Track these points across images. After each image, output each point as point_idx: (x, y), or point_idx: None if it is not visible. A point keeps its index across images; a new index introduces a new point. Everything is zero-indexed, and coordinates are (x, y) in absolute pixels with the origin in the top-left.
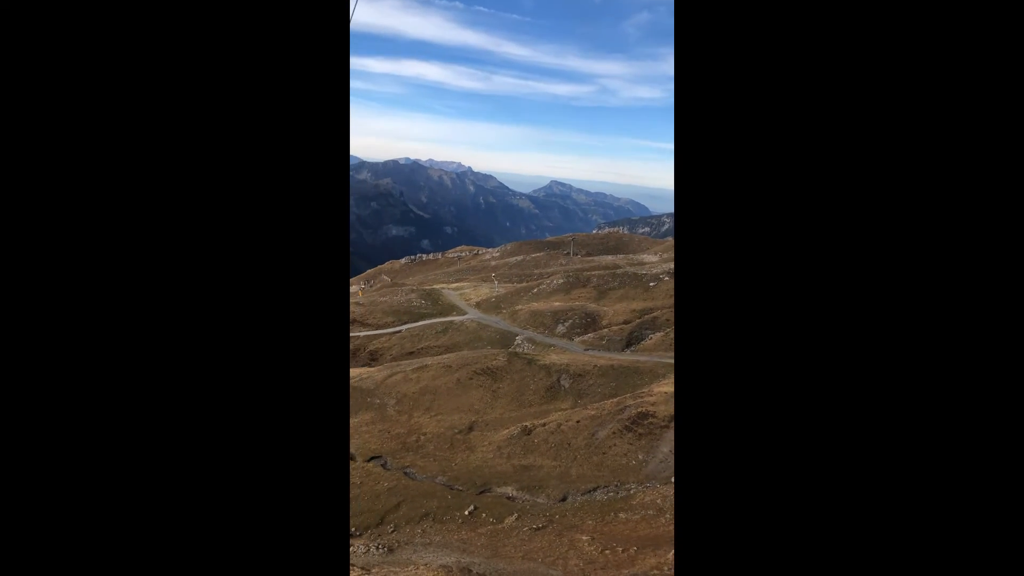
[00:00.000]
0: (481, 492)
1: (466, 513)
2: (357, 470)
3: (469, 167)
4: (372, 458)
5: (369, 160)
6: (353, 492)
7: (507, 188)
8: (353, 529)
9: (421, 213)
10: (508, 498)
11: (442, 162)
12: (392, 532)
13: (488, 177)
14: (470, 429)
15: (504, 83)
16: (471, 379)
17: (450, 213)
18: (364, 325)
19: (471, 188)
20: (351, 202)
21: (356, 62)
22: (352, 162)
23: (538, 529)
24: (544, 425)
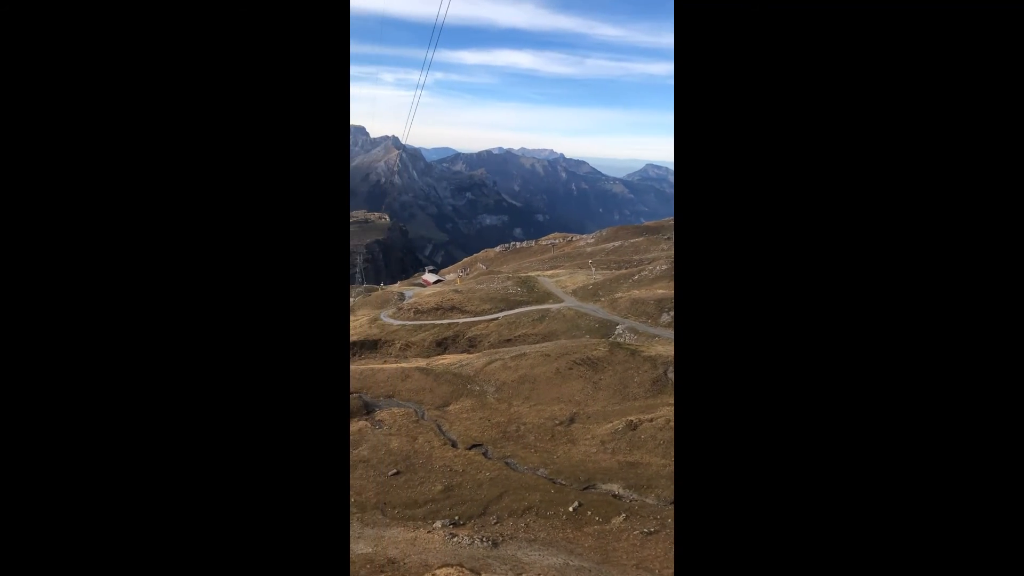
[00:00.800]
0: (585, 488)
1: (570, 509)
2: (459, 457)
3: (561, 154)
4: (473, 446)
5: (464, 152)
6: (455, 480)
7: (600, 173)
8: (456, 517)
9: (513, 202)
10: (614, 496)
11: (534, 150)
12: (495, 524)
13: (580, 163)
14: (571, 421)
15: (597, 66)
16: (571, 369)
17: (542, 201)
18: (462, 312)
19: (563, 175)
20: (447, 193)
21: (450, 55)
22: (447, 154)
23: (650, 534)
24: (651, 420)
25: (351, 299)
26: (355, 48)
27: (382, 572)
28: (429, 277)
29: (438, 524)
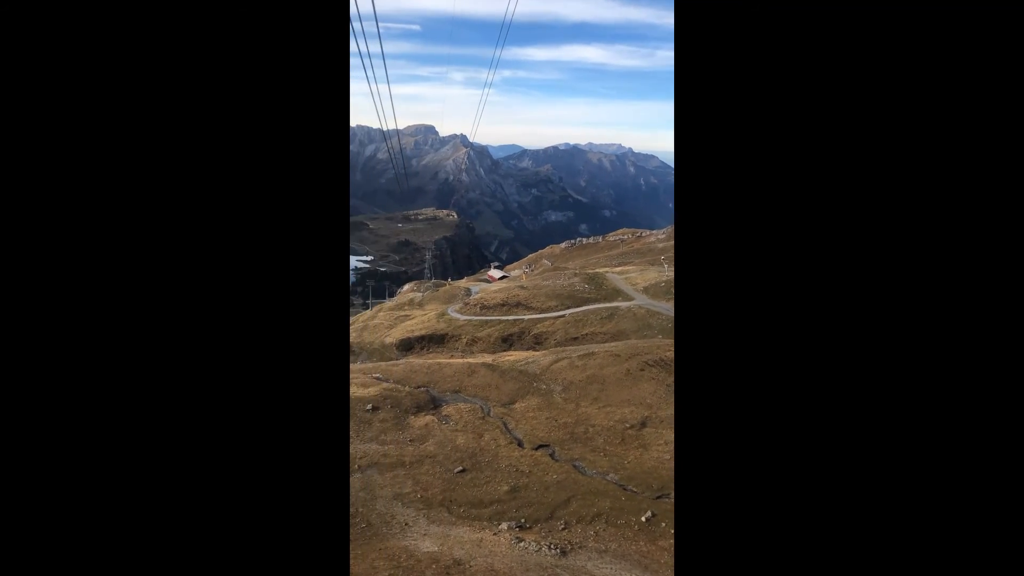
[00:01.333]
0: (658, 497)
1: (643, 520)
2: (525, 457)
3: (629, 148)
4: (540, 446)
5: (530, 148)
6: (522, 480)
7: (670, 167)
8: (523, 520)
9: (580, 197)
10: None
11: (601, 144)
12: (563, 530)
13: (649, 157)
14: (643, 425)
15: (668, 58)
16: (642, 370)
17: (609, 196)
18: (528, 308)
19: (631, 169)
20: (513, 190)
21: (519, 52)
22: (514, 151)
23: None
24: None
25: (420, 294)
26: (426, 49)
27: (448, 573)
28: (495, 273)
29: (504, 526)
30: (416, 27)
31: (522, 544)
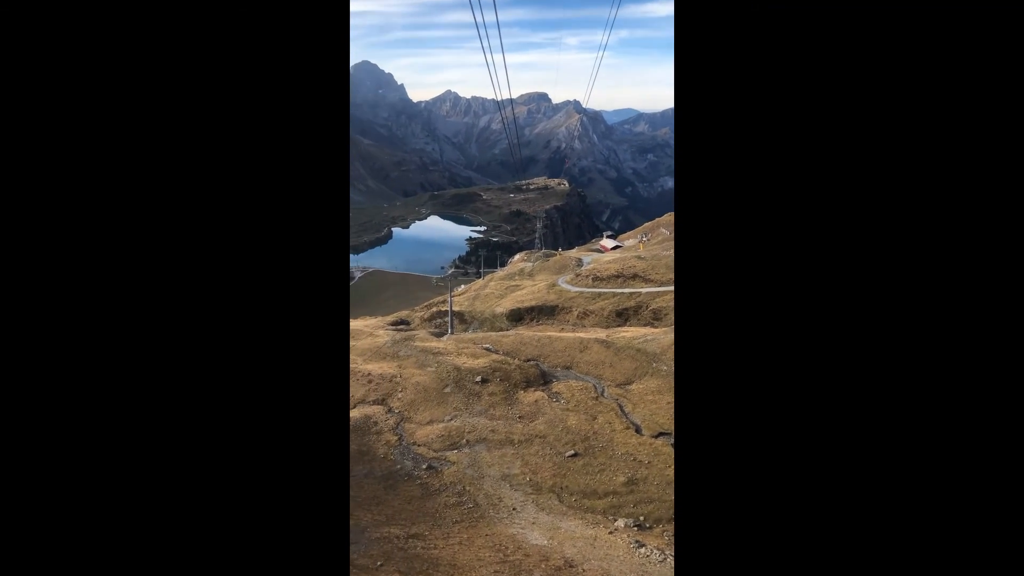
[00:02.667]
0: None
1: None
2: (644, 446)
3: None
4: (660, 434)
5: (646, 112)
6: (640, 472)
7: None
8: (641, 518)
9: None
10: None
11: None
12: None
13: None
14: None
15: None
16: None
17: None
18: (647, 281)
19: None
20: (628, 156)
21: (637, 10)
22: (629, 115)
23: None
24: None
25: (530, 264)
26: (541, 14)
27: (559, 573)
28: (607, 243)
29: (620, 523)
30: None
31: (642, 551)
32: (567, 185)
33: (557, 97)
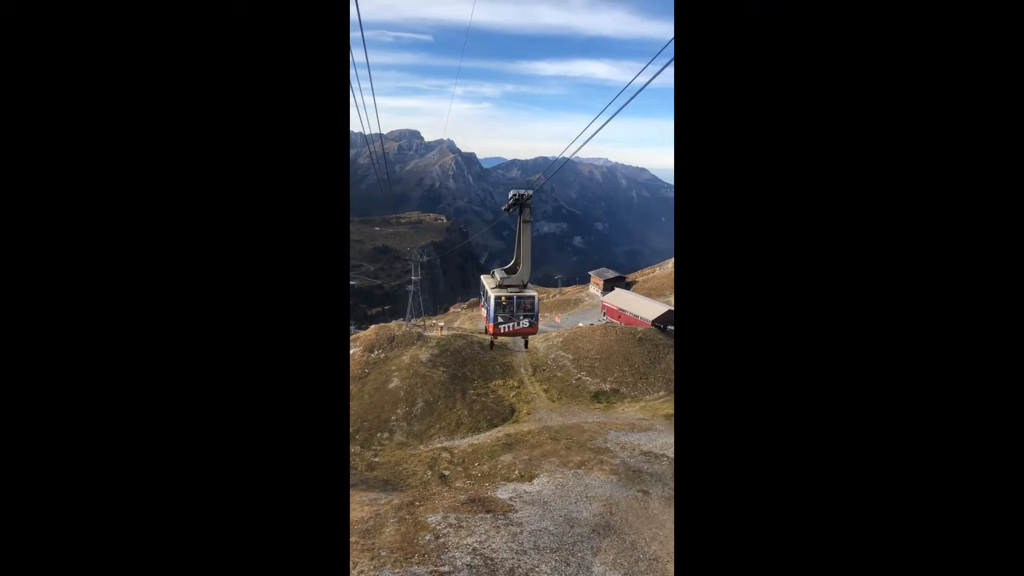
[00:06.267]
0: None
1: None
2: None
3: (616, 162)
4: None
5: (520, 159)
6: None
7: (660, 181)
8: None
9: (572, 209)
10: None
11: (588, 159)
12: None
13: (640, 170)
14: None
15: (663, 75)
16: None
17: (601, 208)
18: None
19: (622, 182)
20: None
21: (528, 66)
22: (502, 162)
23: None
24: None
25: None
26: (435, 61)
27: None
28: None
29: None
30: (428, 37)
31: None
32: (445, 220)
33: (429, 136)
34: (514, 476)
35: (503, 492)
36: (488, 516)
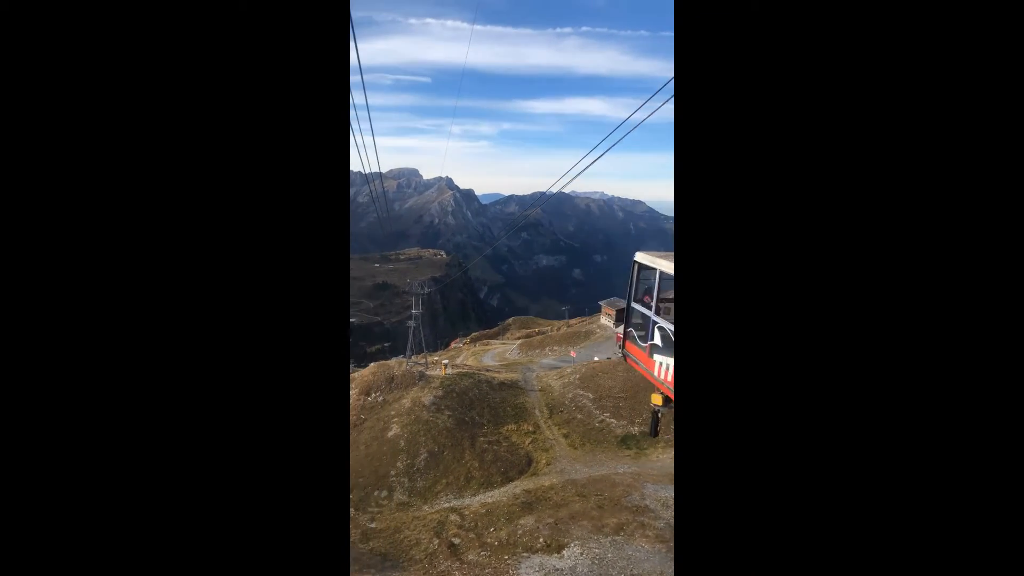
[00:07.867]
0: None
1: None
2: None
3: (613, 195)
4: None
5: (517, 194)
6: None
7: (656, 213)
8: None
9: (570, 242)
10: None
11: (585, 192)
12: None
13: (636, 203)
14: None
15: (656, 111)
16: None
17: (599, 241)
18: None
19: (619, 214)
20: (502, 234)
21: (523, 105)
22: (500, 197)
23: None
24: None
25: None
26: (433, 102)
27: None
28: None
29: None
30: (427, 79)
31: None
32: (444, 255)
33: (428, 174)
34: (539, 546)
35: (528, 569)
36: None
